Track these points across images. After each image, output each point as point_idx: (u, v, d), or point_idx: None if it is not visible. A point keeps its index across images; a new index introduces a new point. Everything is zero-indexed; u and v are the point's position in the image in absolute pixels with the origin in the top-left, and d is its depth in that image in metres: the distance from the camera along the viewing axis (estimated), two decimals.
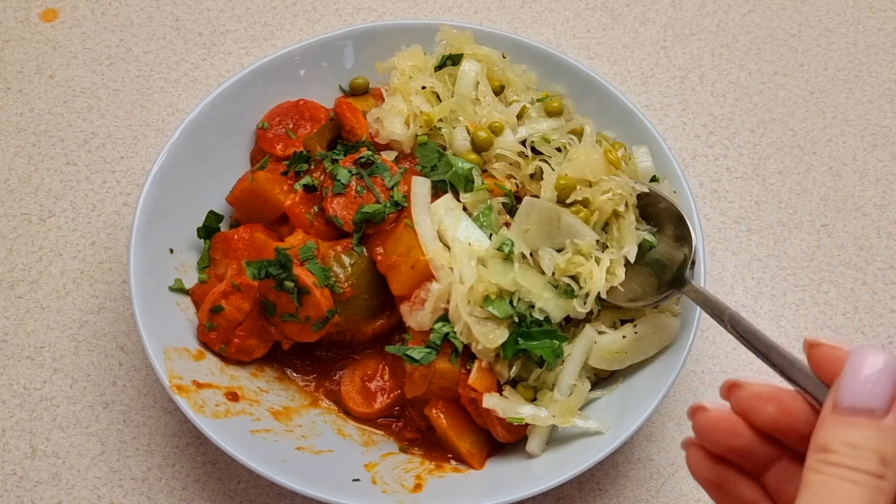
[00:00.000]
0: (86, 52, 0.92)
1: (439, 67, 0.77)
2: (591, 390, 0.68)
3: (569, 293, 0.64)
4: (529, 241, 0.67)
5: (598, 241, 0.65)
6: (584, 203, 0.65)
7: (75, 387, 0.75)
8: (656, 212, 0.68)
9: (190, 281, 0.73)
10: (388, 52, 0.78)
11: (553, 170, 0.68)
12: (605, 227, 0.67)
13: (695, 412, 0.38)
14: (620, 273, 0.65)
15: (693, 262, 0.63)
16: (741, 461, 0.38)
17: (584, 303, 0.64)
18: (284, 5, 0.96)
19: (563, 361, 0.66)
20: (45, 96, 0.90)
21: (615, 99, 0.76)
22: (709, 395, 0.76)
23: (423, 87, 0.74)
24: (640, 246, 0.66)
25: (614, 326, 0.68)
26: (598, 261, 0.64)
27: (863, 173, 0.89)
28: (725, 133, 0.90)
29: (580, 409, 0.67)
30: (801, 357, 0.37)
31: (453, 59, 0.76)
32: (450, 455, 0.68)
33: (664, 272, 0.65)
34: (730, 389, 0.38)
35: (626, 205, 0.66)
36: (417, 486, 0.65)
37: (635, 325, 0.68)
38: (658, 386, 0.65)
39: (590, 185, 0.66)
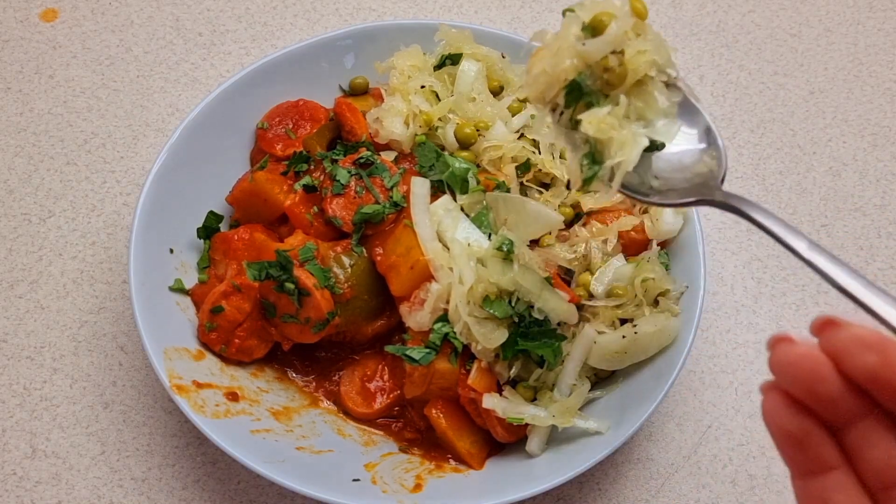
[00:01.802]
0: (86, 52, 0.92)
1: (438, 67, 0.77)
2: (590, 390, 0.68)
3: (594, 163, 0.52)
4: (513, 228, 0.67)
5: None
6: (618, 60, 0.51)
7: (75, 387, 0.75)
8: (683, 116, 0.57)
9: (190, 281, 0.73)
10: (387, 52, 0.78)
11: (539, 154, 0.72)
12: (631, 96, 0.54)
13: (777, 343, 0.33)
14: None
15: (723, 179, 0.53)
16: (820, 412, 0.33)
17: (611, 180, 0.52)
18: (284, 5, 0.96)
19: (562, 361, 0.66)
20: (45, 96, 0.90)
21: None
22: (709, 394, 0.76)
23: (423, 87, 0.74)
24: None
25: (613, 326, 0.68)
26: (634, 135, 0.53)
27: (863, 173, 0.88)
28: (725, 133, 0.90)
29: (580, 409, 0.67)
30: None
31: (452, 59, 0.76)
32: (449, 455, 0.68)
33: (692, 177, 0.54)
34: (823, 327, 0.32)
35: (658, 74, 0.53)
36: (417, 486, 0.65)
37: (635, 325, 0.68)
38: (658, 386, 0.65)
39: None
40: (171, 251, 0.72)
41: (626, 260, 0.71)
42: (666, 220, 0.71)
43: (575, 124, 0.51)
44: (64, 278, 0.80)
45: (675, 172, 0.53)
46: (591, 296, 0.69)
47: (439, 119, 0.73)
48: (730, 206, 0.48)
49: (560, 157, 0.74)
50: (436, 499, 0.64)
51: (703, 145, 0.53)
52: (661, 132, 0.52)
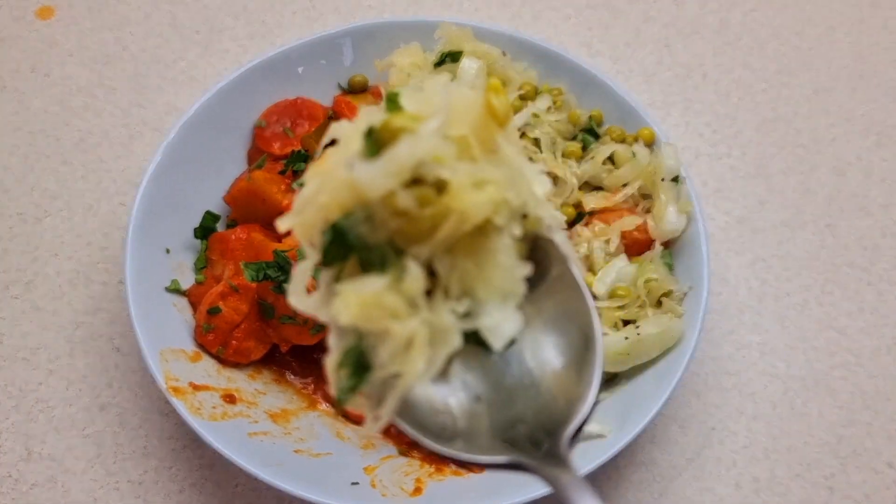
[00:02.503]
0: (82, 50, 0.92)
1: (438, 65, 0.76)
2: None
3: (359, 368, 0.33)
4: None
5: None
6: (427, 196, 0.32)
7: (71, 389, 0.74)
8: (554, 299, 0.35)
9: (187, 282, 0.72)
10: (387, 49, 0.77)
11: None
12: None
13: None
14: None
15: (581, 429, 0.33)
16: None
17: (380, 402, 0.34)
18: (283, 3, 0.95)
19: None
20: (40, 95, 0.89)
21: (618, 97, 0.75)
22: (712, 396, 0.76)
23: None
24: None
25: (616, 327, 0.68)
26: None
27: (867, 173, 0.88)
28: (729, 132, 0.89)
29: None
30: None
31: (453, 57, 0.75)
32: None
33: (523, 417, 0.33)
34: None
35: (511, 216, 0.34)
36: (417, 490, 0.64)
37: (637, 327, 0.67)
38: (661, 388, 0.64)
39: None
40: (168, 251, 0.72)
41: (629, 260, 0.70)
42: (669, 219, 0.71)
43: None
44: (59, 279, 0.79)
45: (499, 404, 0.32)
46: (593, 296, 0.68)
47: None
48: (554, 482, 0.29)
49: (563, 157, 0.73)
50: (436, 502, 0.63)
51: (560, 364, 0.32)
52: (491, 326, 0.31)
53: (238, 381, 0.69)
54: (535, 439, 0.31)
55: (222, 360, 0.70)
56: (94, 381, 0.74)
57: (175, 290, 0.71)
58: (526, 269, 0.32)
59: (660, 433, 0.73)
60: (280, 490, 0.61)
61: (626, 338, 0.66)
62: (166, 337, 0.67)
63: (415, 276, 0.31)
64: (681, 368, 0.65)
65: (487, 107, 0.31)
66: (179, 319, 0.70)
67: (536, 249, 0.34)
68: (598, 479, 0.71)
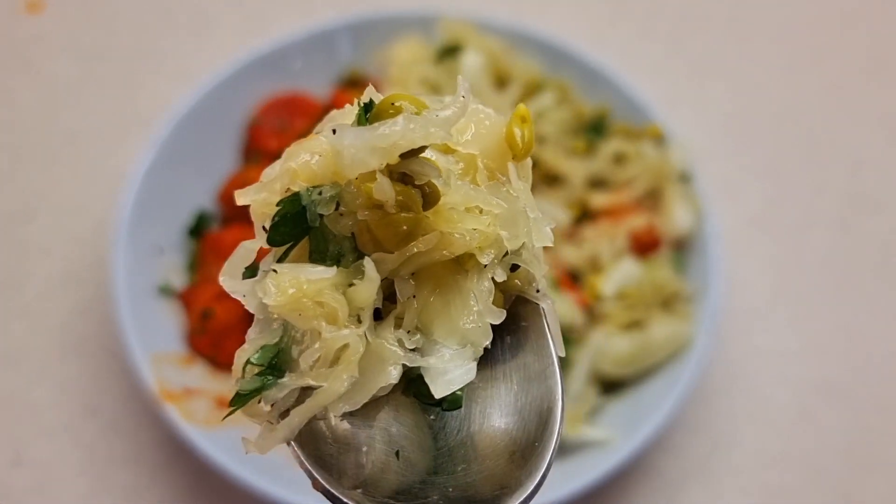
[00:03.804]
0: (72, 45, 0.89)
1: (440, 58, 0.74)
2: (598, 396, 0.65)
3: (270, 367, 0.30)
4: None
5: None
6: (414, 201, 0.28)
7: (61, 393, 0.72)
8: (518, 362, 0.30)
9: (179, 283, 0.70)
10: (386, 42, 0.75)
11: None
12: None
13: None
14: None
15: (532, 494, 0.27)
16: None
17: (282, 416, 0.30)
18: None
19: (570, 367, 0.63)
20: (30, 91, 0.87)
21: (625, 92, 0.73)
22: (721, 401, 0.74)
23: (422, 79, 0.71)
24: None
25: (623, 329, 0.66)
26: None
27: (881, 171, 0.85)
28: (739, 129, 0.87)
29: (587, 416, 0.65)
30: None
31: (454, 50, 0.73)
32: None
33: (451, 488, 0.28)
34: None
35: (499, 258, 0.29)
36: None
37: (645, 329, 0.65)
38: (669, 394, 0.63)
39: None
40: (160, 251, 0.70)
41: (637, 261, 0.68)
42: (678, 219, 0.69)
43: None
44: (50, 280, 0.77)
45: (418, 468, 0.27)
46: (599, 298, 0.67)
47: None
48: None
49: (568, 154, 0.71)
50: None
51: (505, 441, 0.27)
52: (438, 369, 0.26)
53: (232, 385, 0.67)
54: None
55: (215, 364, 0.68)
56: (84, 384, 0.73)
57: (167, 291, 0.69)
58: (497, 318, 0.27)
59: (666, 439, 0.71)
60: (276, 498, 0.59)
61: (633, 340, 0.65)
62: (158, 340, 0.66)
63: (370, 282, 0.26)
64: (689, 374, 0.63)
65: (508, 134, 0.27)
66: (171, 322, 0.68)
67: (512, 301, 0.29)
68: (604, 486, 0.69)
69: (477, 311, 0.27)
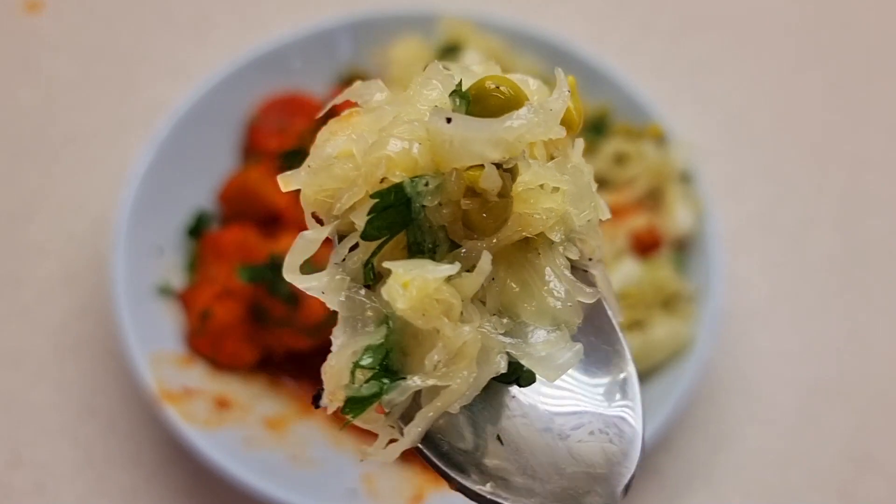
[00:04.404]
0: (72, 45, 0.89)
1: (440, 58, 0.74)
2: None
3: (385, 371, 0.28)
4: None
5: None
6: (496, 186, 0.28)
7: (60, 393, 0.72)
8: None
9: (178, 283, 0.70)
10: (386, 42, 0.75)
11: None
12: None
13: None
14: None
15: (627, 488, 0.29)
16: None
17: (404, 420, 0.29)
18: None
19: None
20: (29, 90, 0.87)
21: (626, 91, 0.73)
22: (723, 401, 0.73)
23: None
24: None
25: (621, 329, 0.66)
26: None
27: (883, 171, 0.85)
28: (741, 129, 0.87)
29: None
30: None
31: (454, 49, 0.73)
32: None
33: (569, 468, 0.29)
34: None
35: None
36: (416, 498, 0.63)
37: (645, 329, 0.65)
38: (670, 394, 0.63)
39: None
40: (159, 251, 0.70)
41: (637, 261, 0.68)
42: (679, 219, 0.69)
43: (373, 277, 0.28)
44: (49, 280, 0.77)
45: (541, 449, 0.27)
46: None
47: None
48: None
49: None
50: None
51: (606, 410, 0.28)
52: (537, 356, 0.27)
53: (231, 385, 0.67)
54: (574, 493, 0.27)
55: (215, 365, 0.68)
56: (84, 385, 0.72)
57: (166, 291, 0.69)
58: (590, 297, 0.28)
59: (668, 440, 0.71)
60: (276, 498, 0.59)
61: (632, 340, 0.64)
62: (157, 340, 0.65)
63: (480, 274, 0.26)
64: (690, 374, 0.63)
65: (565, 113, 0.27)
66: (171, 322, 0.68)
67: None
68: None
69: (565, 290, 0.27)
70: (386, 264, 0.26)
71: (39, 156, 0.83)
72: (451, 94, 0.28)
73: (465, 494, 0.27)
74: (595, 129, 0.74)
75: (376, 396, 0.26)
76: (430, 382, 0.26)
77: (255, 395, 0.68)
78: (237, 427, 0.64)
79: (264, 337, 0.67)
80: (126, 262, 0.66)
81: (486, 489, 0.26)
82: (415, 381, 0.26)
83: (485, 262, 0.26)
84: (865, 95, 0.90)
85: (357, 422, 0.27)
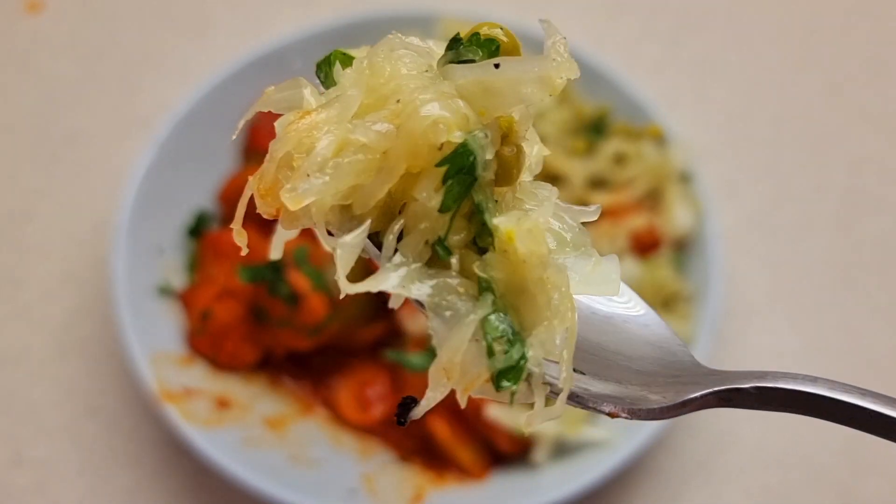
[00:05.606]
0: (73, 46, 0.89)
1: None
2: None
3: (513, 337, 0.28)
4: None
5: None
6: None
7: (61, 393, 0.72)
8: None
9: (179, 283, 0.70)
10: None
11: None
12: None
13: None
14: None
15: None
16: None
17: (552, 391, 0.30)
18: None
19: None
20: (30, 91, 0.87)
21: (625, 92, 0.73)
22: None
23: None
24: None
25: None
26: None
27: (882, 171, 0.85)
28: (740, 129, 0.87)
29: (588, 416, 0.65)
30: None
31: None
32: (451, 465, 0.66)
33: (661, 359, 0.33)
34: None
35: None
36: (417, 498, 0.63)
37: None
38: None
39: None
40: (160, 251, 0.70)
41: (637, 260, 0.68)
42: (678, 219, 0.69)
43: (476, 244, 0.27)
44: (50, 280, 0.77)
45: (638, 353, 0.30)
46: None
47: None
48: (766, 391, 0.28)
49: (568, 153, 0.71)
50: None
51: (639, 309, 0.31)
52: (594, 280, 0.28)
53: (232, 385, 0.67)
54: (691, 376, 0.28)
55: (216, 364, 0.68)
56: (84, 384, 0.72)
57: (167, 291, 0.69)
58: (593, 214, 0.29)
59: (667, 439, 0.71)
60: (276, 498, 0.59)
61: None
62: (158, 340, 0.66)
63: (547, 209, 0.27)
64: None
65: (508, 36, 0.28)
66: (171, 322, 0.68)
67: None
68: (605, 486, 0.69)
69: (567, 216, 0.28)
70: (495, 221, 0.25)
71: (39, 156, 0.84)
72: (457, 46, 0.26)
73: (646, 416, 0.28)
74: (595, 129, 0.74)
75: (524, 359, 0.25)
76: (554, 334, 0.26)
77: (255, 395, 0.68)
78: (237, 427, 0.64)
79: (264, 337, 0.67)
80: (126, 262, 0.66)
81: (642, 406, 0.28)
82: (537, 336, 0.26)
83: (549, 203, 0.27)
84: (865, 95, 0.90)
85: (499, 399, 0.26)
